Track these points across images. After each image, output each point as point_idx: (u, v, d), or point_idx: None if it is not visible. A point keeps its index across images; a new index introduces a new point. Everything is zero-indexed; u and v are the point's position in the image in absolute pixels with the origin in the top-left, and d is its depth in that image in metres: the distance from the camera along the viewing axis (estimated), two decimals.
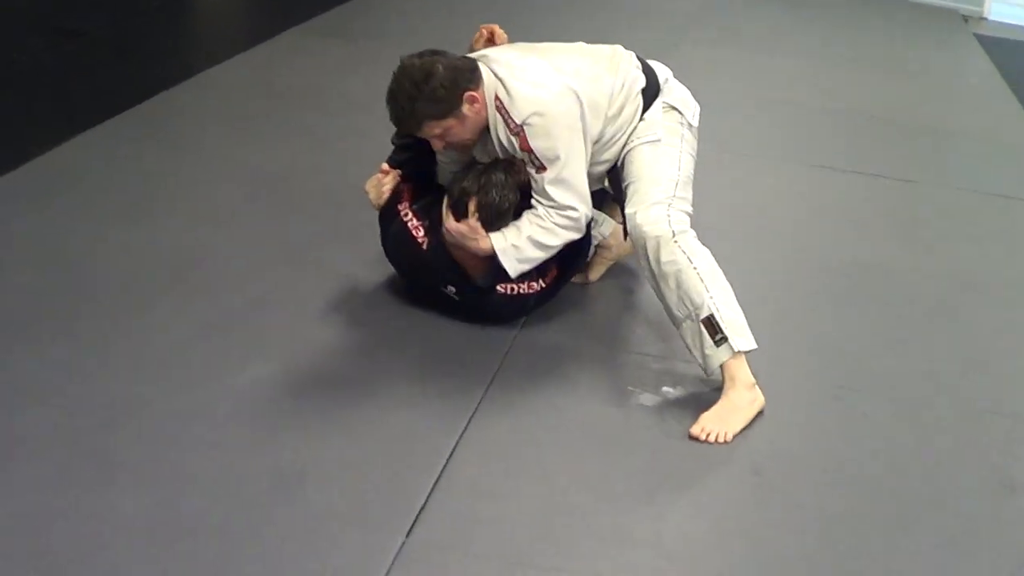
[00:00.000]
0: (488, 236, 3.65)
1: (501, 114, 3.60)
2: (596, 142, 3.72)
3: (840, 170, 5.86)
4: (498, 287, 3.79)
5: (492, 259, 3.70)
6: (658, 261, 3.55)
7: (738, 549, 3.01)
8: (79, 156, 4.99)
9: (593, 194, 3.98)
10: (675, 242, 3.55)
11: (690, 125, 3.85)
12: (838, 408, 3.68)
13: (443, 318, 3.89)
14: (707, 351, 3.51)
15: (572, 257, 3.96)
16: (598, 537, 2.97)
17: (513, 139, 3.61)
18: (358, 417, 3.35)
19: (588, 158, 3.71)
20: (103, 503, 2.87)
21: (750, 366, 3.53)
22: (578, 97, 3.62)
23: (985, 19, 10.17)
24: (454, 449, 3.23)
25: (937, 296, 4.55)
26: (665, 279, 3.55)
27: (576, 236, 3.74)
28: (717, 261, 3.59)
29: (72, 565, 2.67)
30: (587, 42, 3.94)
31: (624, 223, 3.80)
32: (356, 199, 4.10)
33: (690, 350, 3.58)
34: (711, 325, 3.49)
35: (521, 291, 3.82)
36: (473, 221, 3.64)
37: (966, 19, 10.05)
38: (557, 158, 3.59)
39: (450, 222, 3.69)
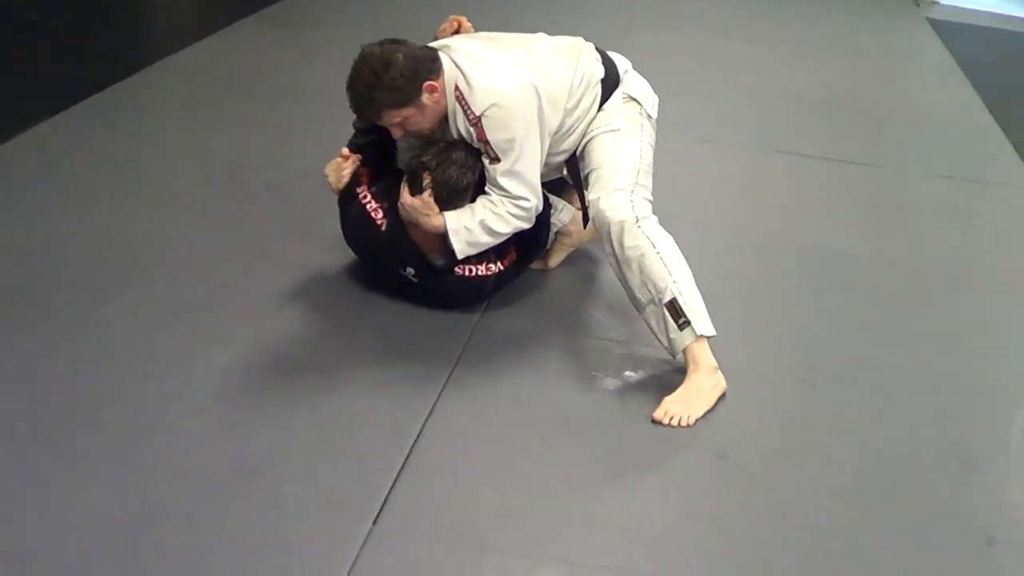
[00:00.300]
0: (441, 214, 3.66)
1: (461, 105, 3.61)
2: (555, 133, 3.74)
3: (798, 155, 5.90)
4: (456, 269, 3.80)
5: (447, 239, 3.72)
6: (622, 246, 3.57)
7: (704, 532, 3.02)
8: (36, 147, 4.96)
9: (552, 182, 4.00)
10: (638, 227, 3.56)
11: (649, 116, 3.87)
12: (802, 392, 3.69)
13: (404, 304, 3.89)
14: (671, 335, 3.52)
15: (531, 243, 3.97)
16: (564, 521, 2.97)
17: (471, 129, 3.62)
18: (322, 405, 3.34)
19: (545, 151, 3.73)
20: (68, 495, 2.86)
21: (714, 351, 3.54)
22: (537, 91, 3.64)
23: (936, 3, 10.25)
24: (419, 435, 3.23)
25: (899, 279, 4.58)
26: (628, 263, 3.57)
27: (526, 226, 3.76)
28: (680, 247, 3.60)
29: (38, 557, 2.66)
30: (530, 30, 3.96)
31: (583, 210, 3.81)
32: (314, 187, 4.11)
33: (655, 334, 3.60)
34: (674, 309, 3.50)
35: (479, 273, 3.83)
36: (427, 196, 3.65)
37: (918, 3, 10.14)
38: (512, 150, 3.61)
39: (405, 196, 3.69)
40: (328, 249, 4.16)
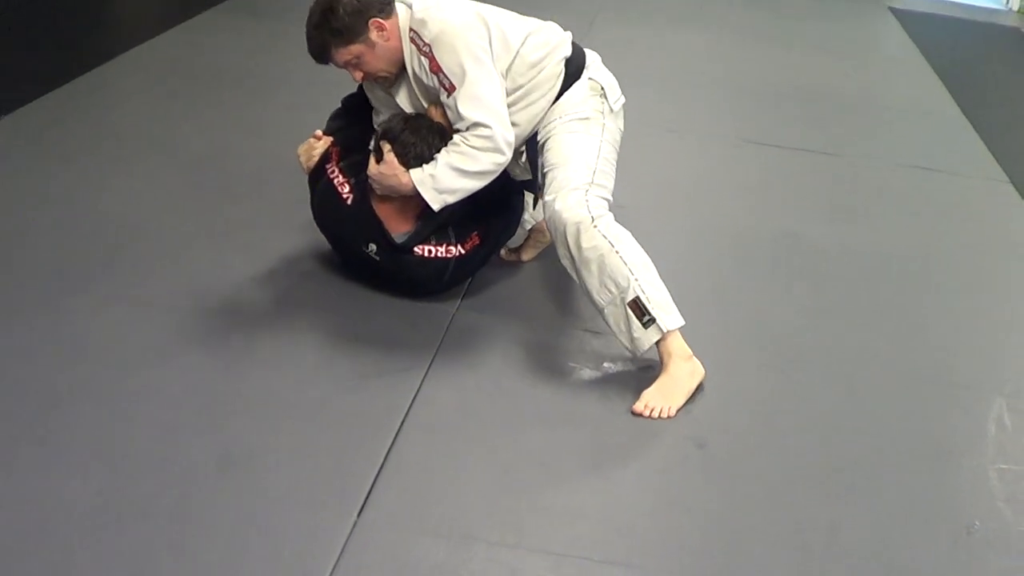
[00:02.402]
0: (407, 172, 3.65)
1: (415, 44, 3.64)
2: (508, 84, 3.70)
3: (764, 144, 5.93)
4: (415, 249, 3.79)
5: (414, 215, 3.77)
6: (579, 247, 3.53)
7: (686, 522, 3.04)
8: (3, 139, 4.92)
9: (527, 182, 4.00)
10: (595, 227, 3.52)
11: (612, 110, 3.83)
12: (777, 380, 3.73)
13: (381, 295, 3.90)
14: (635, 334, 3.50)
15: (496, 230, 3.98)
16: (547, 512, 2.98)
17: (424, 62, 3.63)
18: (302, 397, 3.34)
19: (502, 86, 3.68)
20: (47, 488, 2.84)
21: (687, 340, 3.55)
22: (487, 25, 3.66)
23: None
24: (399, 429, 3.23)
25: (867, 268, 4.62)
26: (587, 264, 3.53)
27: (497, 158, 3.62)
28: (646, 239, 3.59)
29: (17, 550, 2.64)
30: None
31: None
32: (286, 176, 4.11)
33: (615, 335, 3.57)
34: (638, 307, 3.48)
35: (438, 255, 3.82)
36: (390, 157, 3.65)
37: None
38: (464, 73, 3.58)
39: (371, 166, 3.72)
40: (302, 239, 4.16)
